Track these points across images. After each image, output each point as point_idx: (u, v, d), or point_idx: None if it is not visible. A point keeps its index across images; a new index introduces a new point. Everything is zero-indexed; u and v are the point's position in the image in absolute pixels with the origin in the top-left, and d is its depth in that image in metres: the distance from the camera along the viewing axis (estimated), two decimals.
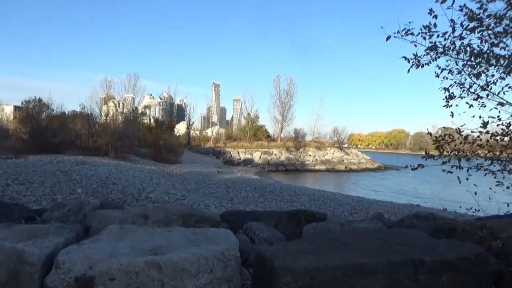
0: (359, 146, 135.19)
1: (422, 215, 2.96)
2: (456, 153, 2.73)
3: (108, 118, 34.51)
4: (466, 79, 2.91)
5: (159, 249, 2.17)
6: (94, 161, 17.32)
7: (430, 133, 3.05)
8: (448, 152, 2.76)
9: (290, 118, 64.24)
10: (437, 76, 3.02)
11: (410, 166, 2.93)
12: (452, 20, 2.74)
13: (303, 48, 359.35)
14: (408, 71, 3.01)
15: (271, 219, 3.24)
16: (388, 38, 2.93)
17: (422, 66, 2.95)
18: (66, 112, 30.35)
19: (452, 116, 2.89)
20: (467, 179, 2.73)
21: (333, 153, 53.77)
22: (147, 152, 29.71)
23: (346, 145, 63.73)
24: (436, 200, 22.12)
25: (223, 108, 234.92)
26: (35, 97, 24.69)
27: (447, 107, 2.92)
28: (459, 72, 2.89)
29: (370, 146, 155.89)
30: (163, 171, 20.54)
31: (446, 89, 2.99)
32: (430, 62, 2.93)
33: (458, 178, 2.72)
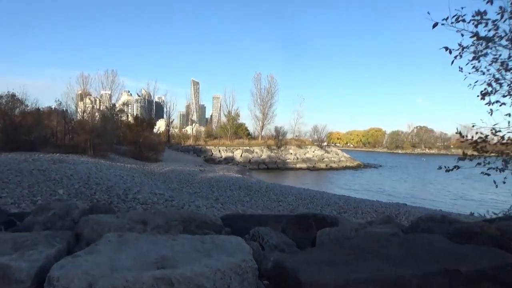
0: (338, 145, 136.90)
1: (436, 218, 2.83)
2: (498, 154, 2.61)
3: (85, 114, 33.47)
4: (495, 75, 2.79)
5: (165, 261, 1.93)
6: (72, 159, 16.64)
7: (460, 133, 2.92)
8: (488, 152, 2.63)
9: (271, 116, 64.44)
10: (483, 73, 2.89)
11: (445, 167, 2.79)
12: (501, 7, 2.62)
13: (284, 46, 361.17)
14: (452, 62, 2.89)
15: (277, 224, 3.06)
16: (435, 25, 2.78)
17: (478, 59, 2.81)
18: (41, 108, 29.17)
19: (491, 114, 2.78)
20: (504, 182, 2.61)
21: (313, 152, 54.17)
22: (127, 150, 29.01)
23: (326, 143, 64.32)
24: (412, 199, 22.56)
25: (202, 106, 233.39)
26: (8, 92, 23.61)
27: (489, 105, 2.81)
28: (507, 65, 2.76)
29: (348, 144, 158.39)
30: (144, 170, 20.00)
31: (489, 85, 2.87)
32: (480, 52, 2.80)
33: (495, 182, 2.60)
